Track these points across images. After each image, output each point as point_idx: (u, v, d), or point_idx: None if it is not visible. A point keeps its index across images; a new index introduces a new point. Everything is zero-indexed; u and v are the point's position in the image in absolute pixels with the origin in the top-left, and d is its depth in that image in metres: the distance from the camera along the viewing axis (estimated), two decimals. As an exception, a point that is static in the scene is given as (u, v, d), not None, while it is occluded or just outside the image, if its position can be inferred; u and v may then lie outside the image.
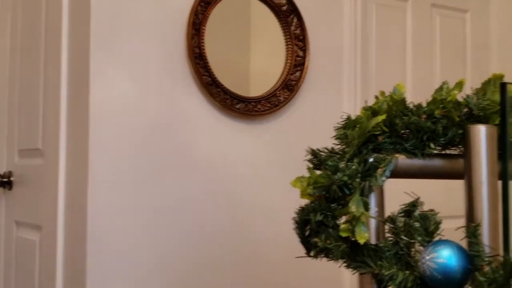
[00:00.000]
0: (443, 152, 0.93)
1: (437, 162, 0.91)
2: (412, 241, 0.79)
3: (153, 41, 1.60)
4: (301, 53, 1.82)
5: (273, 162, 1.77)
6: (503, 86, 0.90)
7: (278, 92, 1.77)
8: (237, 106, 1.69)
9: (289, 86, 1.79)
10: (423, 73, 2.13)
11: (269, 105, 1.75)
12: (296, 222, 0.87)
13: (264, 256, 1.73)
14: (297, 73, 1.81)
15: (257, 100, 1.73)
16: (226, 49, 1.72)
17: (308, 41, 1.82)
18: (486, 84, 0.98)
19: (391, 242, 0.80)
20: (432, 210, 0.84)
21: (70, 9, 1.61)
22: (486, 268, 0.71)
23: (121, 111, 1.54)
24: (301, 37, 1.81)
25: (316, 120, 1.84)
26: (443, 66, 2.18)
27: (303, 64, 1.81)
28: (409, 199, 0.86)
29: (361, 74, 1.96)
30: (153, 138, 1.58)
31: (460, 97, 0.92)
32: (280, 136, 1.79)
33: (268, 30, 1.80)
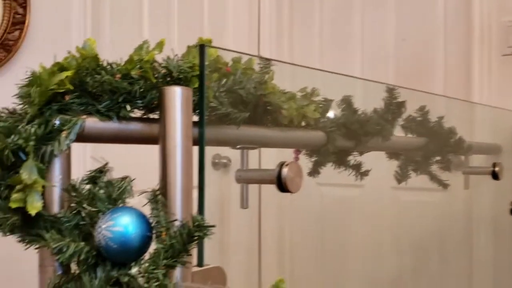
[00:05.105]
0: (145, 116, 0.88)
1: (134, 126, 0.85)
2: (95, 209, 0.72)
3: None
4: (21, 10, 1.64)
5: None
6: (202, 48, 0.87)
7: (-8, 52, 1.58)
8: None
9: (6, 46, 1.60)
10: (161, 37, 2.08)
11: (-21, 65, 1.55)
12: (-34, 194, 0.74)
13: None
14: (16, 33, 1.62)
15: (-36, 59, 1.51)
16: None
17: (30, -4, 1.65)
18: (192, 47, 0.96)
19: (73, 212, 0.73)
20: (126, 177, 0.79)
21: None
22: (165, 235, 0.67)
23: None
24: (20, -8, 1.63)
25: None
26: (180, 32, 2.16)
27: (23, 22, 1.64)
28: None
29: (92, 34, 1.84)
30: None
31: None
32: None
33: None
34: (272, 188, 2.26)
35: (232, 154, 2.37)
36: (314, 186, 2.42)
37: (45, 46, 1.72)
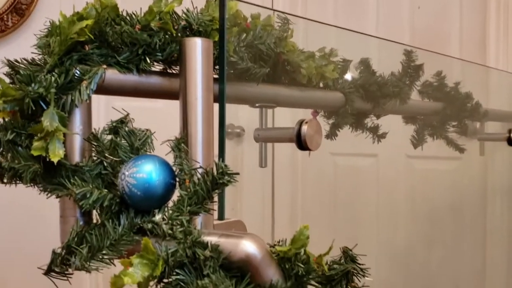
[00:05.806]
0: (164, 71, 0.87)
1: (154, 80, 0.84)
2: (117, 159, 0.71)
3: None
4: (33, -26, 1.62)
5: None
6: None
7: (5, 16, 1.56)
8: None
9: (19, 10, 1.59)
10: None
11: (-8, 29, 1.54)
12: (-15, 143, 0.73)
13: None
14: (29, -4, 1.61)
15: (-23, 22, 1.50)
16: None
17: (41, -40, 1.63)
18: (210, 2, 0.94)
19: (95, 161, 0.72)
20: (147, 130, 0.78)
21: None
22: (188, 182, 0.66)
23: None
24: (32, -45, 1.61)
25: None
26: None
27: (36, -15, 1.62)
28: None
29: None
30: None
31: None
32: (9, 65, 1.59)
33: None
34: (284, 157, 2.24)
35: (245, 123, 2.36)
36: (327, 155, 2.41)
37: (58, 10, 1.70)
